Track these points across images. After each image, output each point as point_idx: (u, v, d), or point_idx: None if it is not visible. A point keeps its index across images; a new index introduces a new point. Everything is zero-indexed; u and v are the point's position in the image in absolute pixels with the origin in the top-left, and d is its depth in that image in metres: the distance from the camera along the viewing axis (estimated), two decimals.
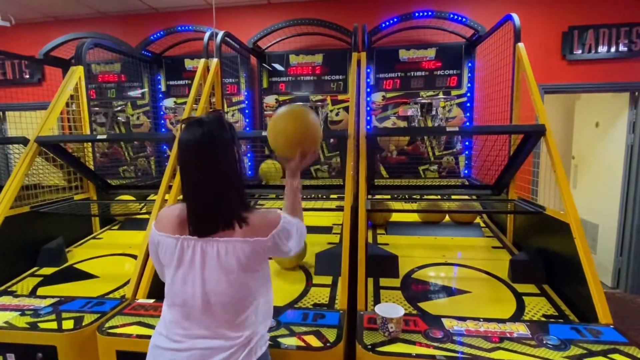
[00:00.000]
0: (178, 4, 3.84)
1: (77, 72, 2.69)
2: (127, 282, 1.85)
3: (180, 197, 1.11)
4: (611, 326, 1.40)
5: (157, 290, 1.76)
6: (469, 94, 3.40)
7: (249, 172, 3.72)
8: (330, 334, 1.35)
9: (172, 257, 1.05)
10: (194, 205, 1.04)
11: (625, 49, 3.33)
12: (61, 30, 3.86)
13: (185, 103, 3.32)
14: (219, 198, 1.02)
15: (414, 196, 2.71)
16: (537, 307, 1.65)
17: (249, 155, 3.76)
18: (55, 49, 3.48)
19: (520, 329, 1.38)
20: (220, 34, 2.70)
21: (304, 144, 1.25)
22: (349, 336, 1.42)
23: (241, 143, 1.06)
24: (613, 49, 3.35)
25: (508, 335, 1.34)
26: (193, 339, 1.03)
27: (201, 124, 1.01)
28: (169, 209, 1.13)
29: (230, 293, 1.02)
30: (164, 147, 3.84)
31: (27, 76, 4.31)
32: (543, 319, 1.57)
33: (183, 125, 1.04)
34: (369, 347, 1.27)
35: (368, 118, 3.49)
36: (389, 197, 2.70)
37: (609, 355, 1.22)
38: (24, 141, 2.41)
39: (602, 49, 3.36)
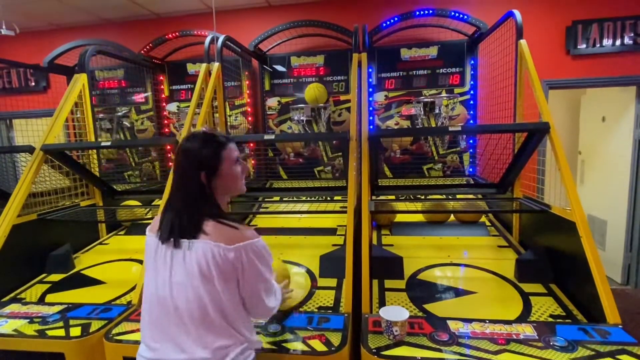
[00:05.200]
0: (179, 8, 3.86)
1: (81, 80, 2.71)
2: (134, 288, 1.87)
3: None
4: (619, 326, 1.38)
5: None
6: (472, 92, 3.37)
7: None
8: (335, 338, 1.35)
9: (150, 257, 1.08)
10: (170, 208, 1.09)
11: (631, 42, 3.28)
12: (65, 37, 3.90)
13: (188, 107, 3.33)
14: (191, 205, 1.06)
15: (419, 196, 2.70)
16: (544, 307, 1.63)
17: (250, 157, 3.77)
18: (60, 57, 3.52)
19: (527, 331, 1.37)
20: (221, 38, 2.71)
21: None
22: (354, 340, 1.42)
23: (228, 160, 1.07)
24: (618, 43, 3.30)
25: (514, 336, 1.33)
26: (165, 349, 1.03)
27: (189, 140, 1.09)
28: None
29: (195, 300, 1.00)
30: None
31: (33, 84, 4.36)
32: (550, 319, 1.55)
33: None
34: (374, 351, 1.27)
35: (371, 118, 3.48)
36: (393, 197, 2.70)
37: (617, 357, 1.20)
38: (30, 149, 2.43)
39: (607, 42, 3.31)
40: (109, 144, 2.32)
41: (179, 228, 1.04)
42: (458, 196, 2.72)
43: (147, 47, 3.77)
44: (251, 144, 3.65)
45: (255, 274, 1.06)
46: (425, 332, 1.37)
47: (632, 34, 3.27)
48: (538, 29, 3.32)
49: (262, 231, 2.68)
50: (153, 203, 2.90)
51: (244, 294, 1.07)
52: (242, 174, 1.17)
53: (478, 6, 3.40)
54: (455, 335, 1.34)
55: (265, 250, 1.09)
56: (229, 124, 2.93)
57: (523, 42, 2.26)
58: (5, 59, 3.28)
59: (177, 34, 3.70)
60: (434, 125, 3.40)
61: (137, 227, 2.84)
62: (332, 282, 1.91)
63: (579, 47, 3.35)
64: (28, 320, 1.60)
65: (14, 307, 1.75)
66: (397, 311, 1.36)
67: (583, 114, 4.32)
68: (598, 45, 3.32)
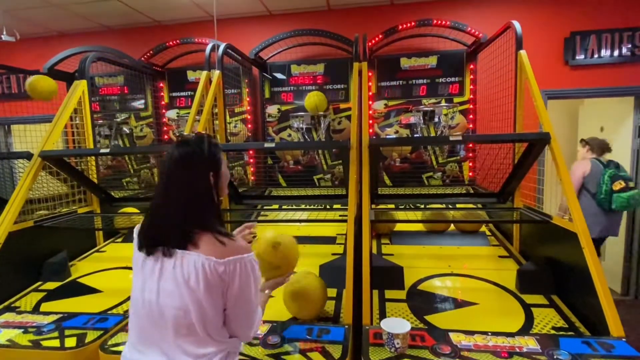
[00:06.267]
0: (180, 16, 3.87)
1: (81, 87, 2.71)
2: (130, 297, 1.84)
3: None
4: (623, 339, 1.37)
5: None
6: (471, 101, 3.38)
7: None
8: (336, 351, 1.33)
9: (137, 261, 1.07)
10: (156, 216, 1.06)
11: (629, 53, 3.31)
12: (65, 44, 3.90)
13: (188, 114, 3.33)
14: (180, 215, 1.03)
15: (419, 205, 2.69)
16: (547, 319, 1.61)
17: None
18: (60, 63, 3.52)
19: (530, 343, 1.35)
20: (222, 46, 2.71)
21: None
22: (355, 352, 1.40)
23: (223, 161, 1.11)
24: (616, 54, 3.33)
25: (517, 350, 1.31)
26: (151, 353, 1.03)
27: (186, 144, 1.06)
28: None
29: (181, 308, 0.99)
30: None
31: None
32: (553, 331, 1.53)
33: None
34: None
35: (371, 130, 3.48)
36: (393, 206, 2.69)
37: None
38: (28, 156, 2.42)
39: (605, 53, 3.34)
40: (107, 151, 2.31)
41: (169, 237, 1.02)
42: (458, 205, 2.71)
43: (148, 54, 3.78)
44: (250, 151, 3.64)
45: (241, 287, 1.03)
46: (427, 344, 1.35)
47: (630, 45, 3.30)
48: (536, 40, 3.35)
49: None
50: None
51: (228, 304, 1.04)
52: None
53: (477, 17, 3.43)
54: (457, 348, 1.32)
55: (256, 264, 1.08)
56: (228, 131, 2.93)
57: (523, 52, 2.28)
58: (5, 65, 3.27)
59: (177, 41, 3.71)
60: (433, 134, 3.41)
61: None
62: (332, 292, 1.88)
63: (577, 57, 3.38)
64: (22, 330, 1.57)
65: (8, 317, 1.72)
66: (398, 323, 1.34)
67: (581, 124, 4.35)
68: (596, 56, 3.35)
